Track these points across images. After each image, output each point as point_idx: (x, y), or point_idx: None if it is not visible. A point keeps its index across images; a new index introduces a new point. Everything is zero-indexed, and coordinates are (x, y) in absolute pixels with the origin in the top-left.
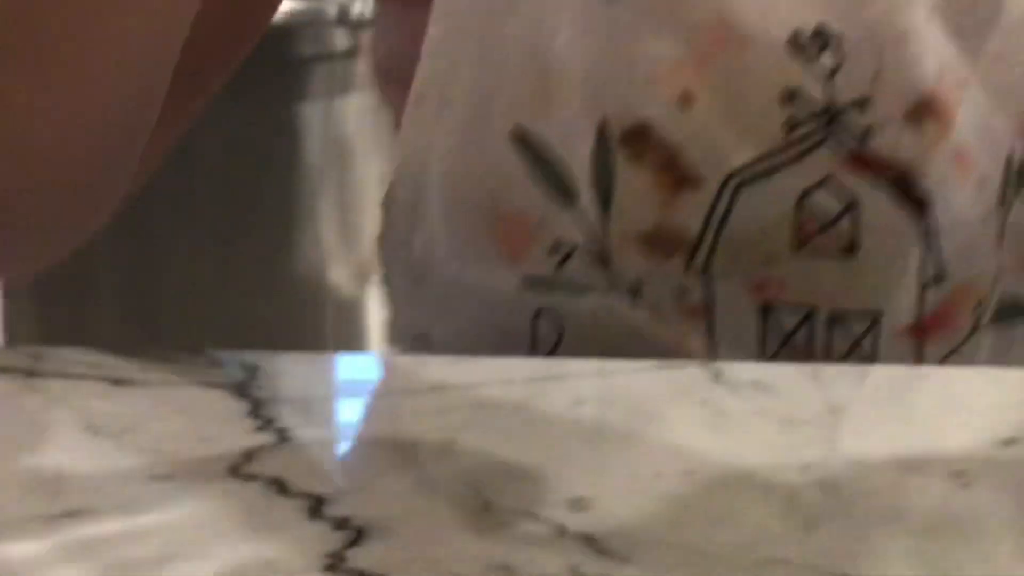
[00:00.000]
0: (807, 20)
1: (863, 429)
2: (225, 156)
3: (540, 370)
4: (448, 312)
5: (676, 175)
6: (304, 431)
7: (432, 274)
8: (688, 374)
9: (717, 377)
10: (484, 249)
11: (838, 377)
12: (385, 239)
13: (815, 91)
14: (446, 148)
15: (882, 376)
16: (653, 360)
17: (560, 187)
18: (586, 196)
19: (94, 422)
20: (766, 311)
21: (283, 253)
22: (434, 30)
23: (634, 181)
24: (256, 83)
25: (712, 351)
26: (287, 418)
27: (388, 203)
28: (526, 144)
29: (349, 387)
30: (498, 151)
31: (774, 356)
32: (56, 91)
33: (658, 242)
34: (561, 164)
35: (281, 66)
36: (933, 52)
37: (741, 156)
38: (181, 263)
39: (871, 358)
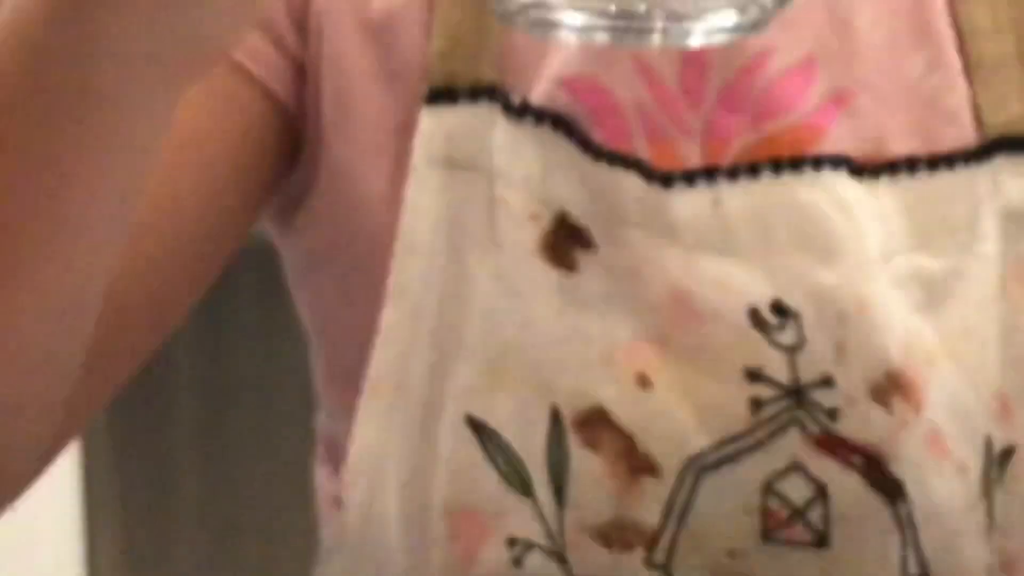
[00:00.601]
0: (766, 293)
1: None
2: None
3: None
4: None
5: (633, 462)
6: None
7: None
8: None
9: None
10: (439, 551)
11: None
12: (336, 549)
13: (779, 369)
14: (402, 439)
15: None
16: None
17: (514, 478)
18: (541, 487)
19: None
20: None
21: None
22: (388, 316)
23: (589, 470)
24: None
25: None
26: None
27: (343, 507)
28: (480, 432)
29: None
30: (454, 440)
31: None
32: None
33: (616, 535)
34: (515, 453)
35: None
36: (897, 325)
37: (703, 440)
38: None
39: None
